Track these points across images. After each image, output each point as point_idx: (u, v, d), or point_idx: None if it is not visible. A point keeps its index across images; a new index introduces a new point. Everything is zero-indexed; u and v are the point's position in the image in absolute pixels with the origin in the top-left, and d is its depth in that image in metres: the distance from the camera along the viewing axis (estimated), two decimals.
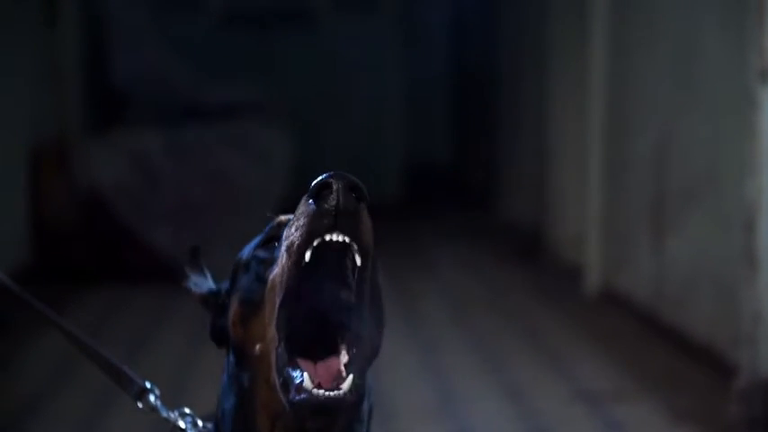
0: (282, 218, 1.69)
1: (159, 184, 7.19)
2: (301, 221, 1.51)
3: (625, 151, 6.18)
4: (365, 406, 1.66)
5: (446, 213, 9.83)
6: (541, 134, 7.78)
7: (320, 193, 1.50)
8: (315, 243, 1.50)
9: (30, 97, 7.22)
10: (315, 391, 1.50)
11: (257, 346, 1.60)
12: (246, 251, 1.71)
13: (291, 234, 1.53)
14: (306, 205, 1.51)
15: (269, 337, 1.57)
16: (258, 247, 1.67)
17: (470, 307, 6.44)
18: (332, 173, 1.51)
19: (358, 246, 1.51)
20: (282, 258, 1.55)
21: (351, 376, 1.52)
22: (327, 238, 1.49)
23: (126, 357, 5.29)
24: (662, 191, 5.61)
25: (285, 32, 9.89)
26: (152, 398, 1.94)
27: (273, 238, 1.65)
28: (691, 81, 5.27)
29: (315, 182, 1.50)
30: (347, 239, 1.50)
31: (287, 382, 1.52)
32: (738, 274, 4.49)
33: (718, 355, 4.79)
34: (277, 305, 1.54)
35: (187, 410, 1.90)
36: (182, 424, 1.88)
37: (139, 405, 1.95)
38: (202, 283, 1.85)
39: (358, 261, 1.52)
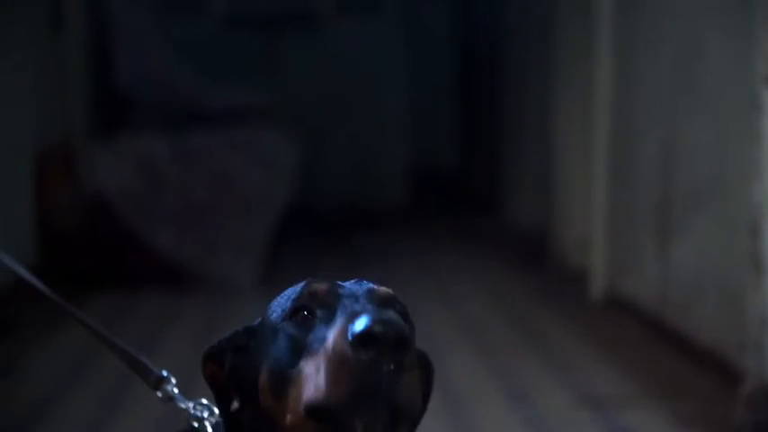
0: (316, 287, 1.63)
1: (164, 187, 7.19)
2: (339, 369, 1.45)
3: (630, 155, 6.18)
4: None
5: (451, 217, 9.82)
6: (547, 138, 7.78)
7: (363, 342, 1.43)
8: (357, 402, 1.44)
9: (35, 101, 7.23)
10: None
11: (288, 417, 1.55)
12: (275, 315, 1.65)
13: (342, 369, 1.46)
14: (346, 348, 1.45)
15: (299, 411, 1.52)
16: (287, 317, 1.61)
17: (474, 311, 6.44)
18: (377, 318, 1.45)
19: (399, 405, 1.45)
20: (331, 375, 1.47)
21: None
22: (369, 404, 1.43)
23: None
24: (667, 195, 5.61)
25: (289, 35, 9.89)
26: (169, 387, 1.96)
27: (303, 309, 1.59)
28: (696, 85, 5.27)
29: (359, 326, 1.44)
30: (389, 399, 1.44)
31: None
32: (744, 278, 4.49)
33: (723, 361, 4.79)
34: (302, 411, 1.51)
35: (204, 401, 1.90)
36: (198, 414, 1.88)
37: (158, 394, 1.96)
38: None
39: (399, 421, 1.47)
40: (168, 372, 1.97)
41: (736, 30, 4.82)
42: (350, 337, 1.43)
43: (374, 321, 1.42)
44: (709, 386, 4.76)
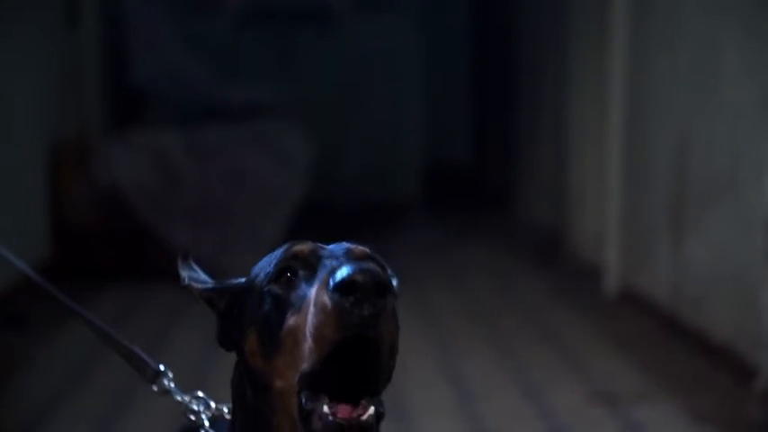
0: (297, 248, 1.66)
1: (179, 183, 7.21)
2: (322, 318, 1.49)
3: (644, 152, 6.17)
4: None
5: (464, 213, 9.82)
6: (561, 135, 7.77)
7: (345, 290, 1.47)
8: (337, 341, 1.48)
9: (51, 97, 7.25)
10: (338, 419, 1.49)
11: (276, 382, 1.59)
12: (260, 276, 1.68)
13: (313, 324, 1.50)
14: (329, 298, 1.49)
15: (289, 375, 1.56)
16: (271, 280, 1.64)
17: (488, 307, 6.44)
18: (358, 267, 1.48)
19: (379, 345, 1.50)
20: (306, 344, 1.52)
21: (372, 408, 1.52)
22: (350, 336, 1.48)
23: (145, 352, 5.32)
24: (681, 192, 5.60)
25: (305, 31, 9.90)
26: (166, 381, 1.97)
27: (286, 270, 1.63)
28: (710, 83, 5.26)
29: (339, 275, 1.48)
30: (371, 338, 1.49)
31: (309, 414, 1.52)
32: (758, 274, 4.48)
33: (737, 357, 4.78)
34: (301, 367, 1.53)
35: (200, 394, 1.92)
36: (195, 406, 1.90)
37: (154, 388, 1.97)
38: (201, 279, 1.84)
39: (378, 357, 1.52)
40: (166, 366, 1.98)
41: (751, 28, 4.81)
42: (331, 287, 1.47)
43: (354, 270, 1.47)
44: (724, 382, 4.76)
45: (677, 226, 5.65)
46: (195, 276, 1.83)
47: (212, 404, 1.89)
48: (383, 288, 1.48)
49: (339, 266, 1.50)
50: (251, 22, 9.86)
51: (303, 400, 1.52)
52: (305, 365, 1.52)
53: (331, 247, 1.67)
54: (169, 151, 7.29)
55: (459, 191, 10.59)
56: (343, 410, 1.51)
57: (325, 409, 1.50)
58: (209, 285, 1.79)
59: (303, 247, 1.66)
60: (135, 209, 7.02)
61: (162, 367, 1.98)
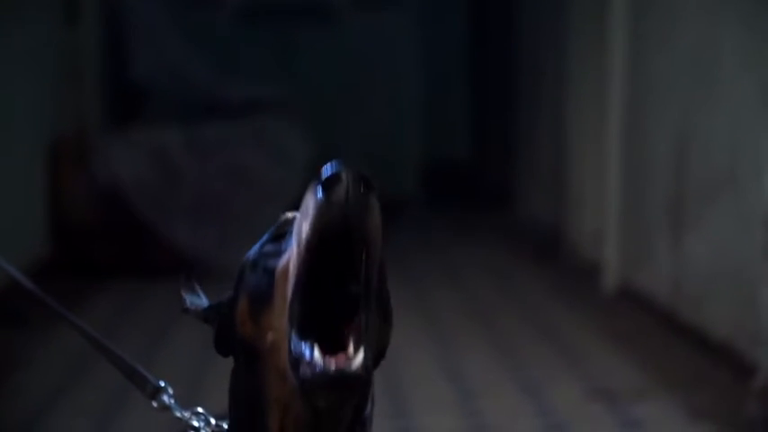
0: (289, 215, 1.68)
1: (178, 179, 7.21)
2: (310, 214, 1.50)
3: (644, 149, 6.17)
4: (369, 407, 1.64)
5: (464, 211, 9.82)
6: (561, 132, 7.77)
7: (329, 185, 1.49)
8: (324, 237, 1.49)
9: (50, 94, 7.25)
10: (327, 365, 1.48)
11: (269, 336, 1.58)
12: (253, 251, 1.69)
13: (301, 226, 1.52)
14: (314, 197, 1.50)
15: (280, 326, 1.55)
16: (263, 247, 1.65)
17: (488, 304, 6.44)
18: (340, 164, 1.51)
19: (367, 239, 1.51)
20: (293, 250, 1.54)
21: (361, 354, 1.50)
22: (337, 231, 1.48)
23: (144, 352, 5.32)
24: (681, 189, 5.60)
25: (304, 29, 9.89)
26: (165, 397, 1.96)
27: (280, 236, 1.64)
28: (709, 80, 5.26)
29: (323, 173, 1.50)
30: (356, 233, 1.49)
31: (298, 360, 1.51)
32: (758, 271, 4.49)
33: (736, 354, 4.78)
34: (289, 296, 1.53)
35: (200, 409, 1.91)
36: (195, 423, 1.89)
37: (153, 404, 1.96)
38: (199, 301, 1.84)
39: (366, 255, 1.51)
40: (166, 382, 1.97)
41: (750, 25, 4.81)
42: (316, 188, 1.49)
43: (338, 167, 1.50)
44: (722, 379, 4.76)
45: (676, 223, 5.65)
46: (197, 302, 1.84)
47: (212, 421, 1.89)
48: (366, 181, 1.50)
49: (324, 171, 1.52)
50: (250, 19, 9.85)
51: (291, 345, 1.51)
52: (294, 281, 1.51)
53: None
54: (168, 148, 7.29)
55: (459, 188, 10.58)
56: (330, 361, 1.49)
57: (316, 355, 1.49)
58: (204, 306, 1.80)
59: (293, 213, 1.68)
60: (134, 206, 7.02)
61: (162, 383, 1.97)
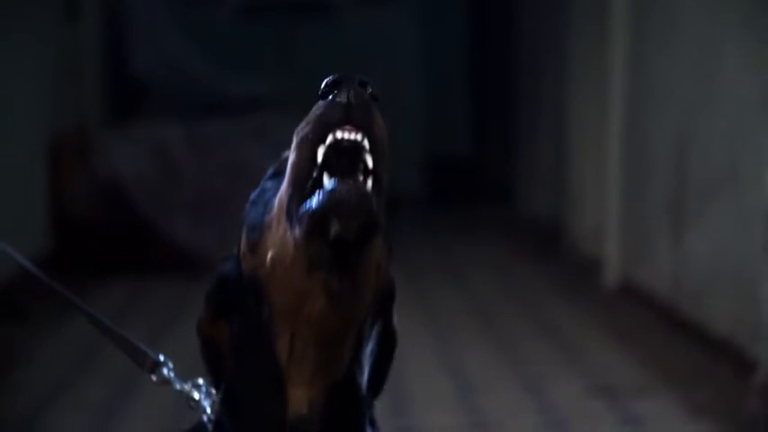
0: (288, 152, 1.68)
1: (179, 176, 7.21)
2: (313, 115, 1.49)
3: (645, 145, 6.17)
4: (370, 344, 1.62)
5: (465, 207, 9.82)
6: (561, 128, 7.77)
7: (331, 88, 1.49)
8: (328, 139, 1.46)
9: (50, 90, 7.25)
10: (339, 185, 1.44)
11: (269, 254, 1.55)
12: (253, 194, 1.69)
13: (303, 129, 1.50)
14: (316, 108, 1.50)
15: (278, 241, 1.53)
16: (264, 183, 1.66)
17: (488, 300, 6.45)
18: (342, 73, 1.50)
19: (371, 138, 1.48)
20: (293, 154, 1.52)
21: (371, 182, 1.48)
22: (340, 134, 1.46)
23: (146, 344, 5.32)
24: (681, 185, 5.60)
25: (304, 25, 9.90)
26: (165, 371, 1.97)
27: (279, 173, 1.63)
28: (710, 78, 5.26)
29: (326, 80, 1.50)
30: (359, 136, 1.47)
31: (304, 213, 1.47)
32: (758, 268, 4.49)
33: (737, 350, 4.78)
34: (286, 194, 1.52)
35: (200, 381, 1.91)
36: (195, 395, 1.89)
37: (153, 378, 1.97)
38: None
39: (370, 160, 1.48)
40: (166, 356, 1.98)
41: (750, 24, 4.81)
42: (320, 93, 1.50)
43: (339, 75, 1.49)
44: (723, 376, 4.76)
45: (677, 220, 5.66)
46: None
47: (213, 392, 1.89)
48: (367, 83, 1.50)
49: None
50: (251, 15, 9.85)
51: (295, 214, 1.48)
52: (294, 179, 1.50)
53: None
54: (169, 144, 7.29)
55: (460, 185, 10.58)
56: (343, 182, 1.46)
57: (326, 181, 1.46)
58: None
59: None
60: (135, 202, 7.02)
61: (161, 358, 1.98)
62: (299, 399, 1.58)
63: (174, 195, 7.11)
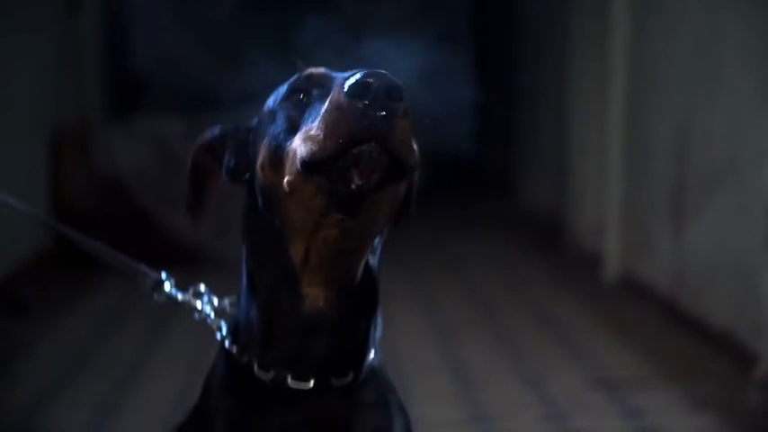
0: (313, 71, 1.73)
1: (179, 169, 7.18)
2: (337, 115, 1.53)
3: (645, 139, 6.16)
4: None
5: (465, 201, 9.81)
6: (561, 122, 7.77)
7: (358, 91, 1.52)
8: (352, 150, 1.53)
9: (51, 84, 7.25)
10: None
11: (285, 180, 1.63)
12: (272, 102, 1.77)
13: (327, 119, 1.54)
14: (342, 98, 1.53)
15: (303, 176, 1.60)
16: (285, 99, 1.72)
17: (488, 294, 6.45)
18: (372, 71, 1.53)
19: (398, 152, 1.57)
20: (322, 124, 1.56)
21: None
22: (363, 146, 1.53)
23: (146, 339, 5.33)
24: (682, 178, 5.60)
25: (305, 17, 9.89)
26: (167, 287, 2.02)
27: (300, 91, 1.69)
28: (711, 70, 5.25)
29: (353, 78, 1.52)
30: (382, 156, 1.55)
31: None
32: (759, 261, 4.49)
33: (738, 344, 4.78)
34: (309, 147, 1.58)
35: (202, 288, 1.97)
36: (198, 305, 1.96)
37: (156, 297, 2.02)
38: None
39: (394, 171, 1.59)
40: (167, 273, 2.04)
41: (751, 15, 4.80)
42: (345, 89, 1.52)
43: (367, 74, 1.52)
44: (724, 369, 4.76)
45: (677, 213, 5.65)
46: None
47: (215, 300, 1.96)
48: (395, 92, 1.53)
49: (354, 72, 1.54)
50: (252, 7, 9.85)
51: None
52: (312, 149, 1.55)
53: (342, 72, 1.70)
54: (169, 138, 7.29)
55: (460, 178, 10.57)
56: None
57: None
58: (223, 130, 1.95)
59: (316, 70, 1.73)
60: (135, 195, 7.02)
61: (163, 275, 2.05)
62: (315, 296, 1.69)
63: (174, 189, 7.09)
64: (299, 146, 1.59)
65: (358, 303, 1.74)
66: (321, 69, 1.73)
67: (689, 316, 5.37)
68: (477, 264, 7.31)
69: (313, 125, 1.58)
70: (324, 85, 1.67)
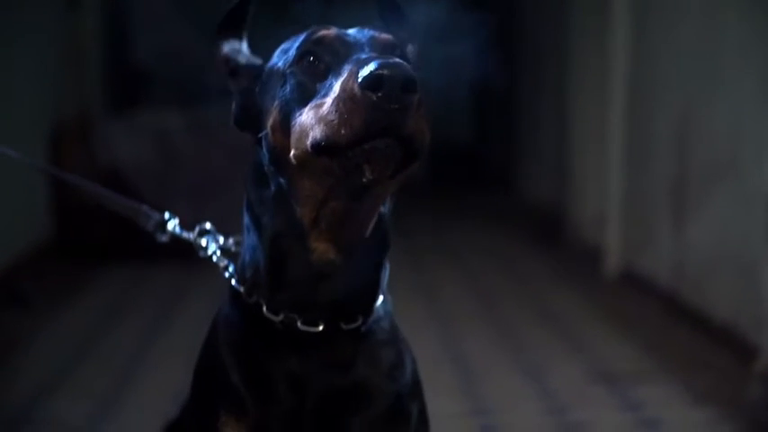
0: (324, 33, 1.71)
1: (180, 162, 7.20)
2: (351, 106, 1.53)
3: (646, 132, 6.16)
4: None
5: (466, 194, 9.82)
6: (563, 116, 7.76)
7: (372, 83, 1.51)
8: (362, 132, 1.53)
9: (52, 77, 7.25)
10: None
11: (293, 152, 1.64)
12: (281, 60, 1.74)
13: (340, 109, 1.54)
14: (358, 89, 1.52)
15: (304, 151, 1.62)
16: (295, 62, 1.69)
17: (489, 287, 6.44)
18: (385, 62, 1.52)
19: (413, 142, 1.56)
20: (331, 126, 1.56)
21: None
22: (377, 142, 1.54)
23: (146, 331, 5.33)
24: (683, 172, 5.59)
25: (305, 10, 9.88)
26: (171, 226, 2.03)
27: (310, 54, 1.68)
28: (712, 63, 5.25)
29: (367, 69, 1.51)
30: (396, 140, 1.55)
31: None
32: (760, 255, 4.48)
33: (739, 337, 4.78)
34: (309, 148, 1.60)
35: (207, 226, 1.99)
36: (203, 242, 1.96)
37: (161, 238, 2.04)
38: (237, 52, 1.90)
39: (407, 161, 1.58)
40: (171, 213, 2.04)
41: (752, 11, 4.80)
42: (359, 81, 1.51)
43: (382, 65, 1.51)
44: (725, 362, 4.76)
45: (678, 206, 5.65)
46: (235, 55, 1.91)
47: (221, 238, 1.97)
48: (410, 84, 1.53)
49: (368, 60, 1.53)
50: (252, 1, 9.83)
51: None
52: (326, 136, 1.56)
53: (354, 32, 1.71)
54: (170, 131, 7.29)
55: (461, 171, 10.57)
56: None
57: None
58: (240, 62, 1.88)
59: (327, 32, 1.71)
60: (136, 188, 7.01)
61: (167, 215, 2.06)
62: (324, 249, 1.71)
63: (174, 182, 7.10)
64: (311, 125, 1.60)
65: (368, 252, 1.75)
66: (332, 31, 1.71)
67: (689, 309, 5.37)
68: (478, 257, 7.31)
69: (325, 104, 1.58)
70: (336, 52, 1.66)
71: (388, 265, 1.83)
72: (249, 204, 1.81)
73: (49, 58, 7.22)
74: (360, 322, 1.79)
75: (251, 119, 1.78)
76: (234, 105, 1.83)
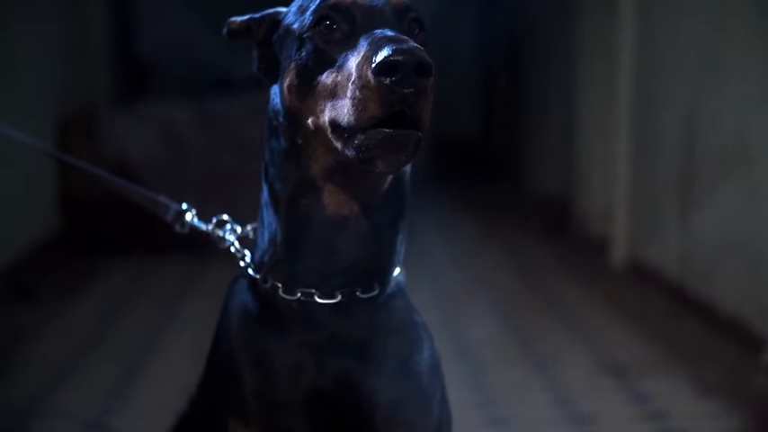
0: None
1: (187, 154, 7.20)
2: (366, 93, 1.54)
3: (653, 123, 6.15)
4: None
5: (473, 185, 9.81)
6: (569, 106, 7.75)
7: (387, 69, 1.52)
8: (377, 116, 1.54)
9: (58, 69, 7.25)
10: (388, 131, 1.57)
11: (311, 120, 1.67)
12: (298, 22, 1.73)
13: (356, 95, 1.56)
14: (372, 75, 1.53)
15: (320, 119, 1.65)
16: (311, 26, 1.69)
17: (496, 278, 6.44)
18: (400, 47, 1.52)
19: (421, 122, 1.59)
20: (346, 108, 1.58)
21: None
22: (394, 133, 1.56)
23: (154, 324, 5.33)
24: (690, 163, 5.59)
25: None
26: (189, 217, 2.05)
27: (326, 18, 1.67)
28: (719, 55, 5.24)
29: (381, 55, 1.52)
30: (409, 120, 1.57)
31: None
32: (766, 246, 4.48)
33: (745, 329, 4.78)
34: (327, 123, 1.63)
35: (225, 217, 2.00)
36: (220, 233, 1.98)
37: (178, 228, 2.04)
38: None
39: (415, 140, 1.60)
40: (188, 204, 2.06)
41: (759, 1, 4.79)
42: (374, 67, 1.52)
43: (396, 51, 1.52)
44: (731, 354, 4.76)
45: (685, 198, 5.65)
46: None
47: (238, 228, 1.98)
48: (424, 68, 1.53)
49: (382, 44, 1.54)
50: None
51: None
52: (343, 120, 1.58)
53: None
54: (177, 123, 7.29)
55: (468, 162, 10.57)
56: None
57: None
58: (247, 18, 1.89)
59: None
60: (143, 180, 7.02)
61: (184, 206, 2.07)
62: (338, 204, 1.72)
63: (181, 174, 7.11)
64: (326, 102, 1.63)
65: (384, 212, 1.76)
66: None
67: (696, 300, 5.37)
68: (484, 248, 7.31)
69: (339, 84, 1.60)
70: (352, 19, 1.66)
71: (405, 233, 1.83)
72: (265, 172, 1.83)
73: (56, 50, 7.22)
74: (377, 291, 1.78)
75: (269, 68, 1.81)
76: (254, 55, 1.86)
